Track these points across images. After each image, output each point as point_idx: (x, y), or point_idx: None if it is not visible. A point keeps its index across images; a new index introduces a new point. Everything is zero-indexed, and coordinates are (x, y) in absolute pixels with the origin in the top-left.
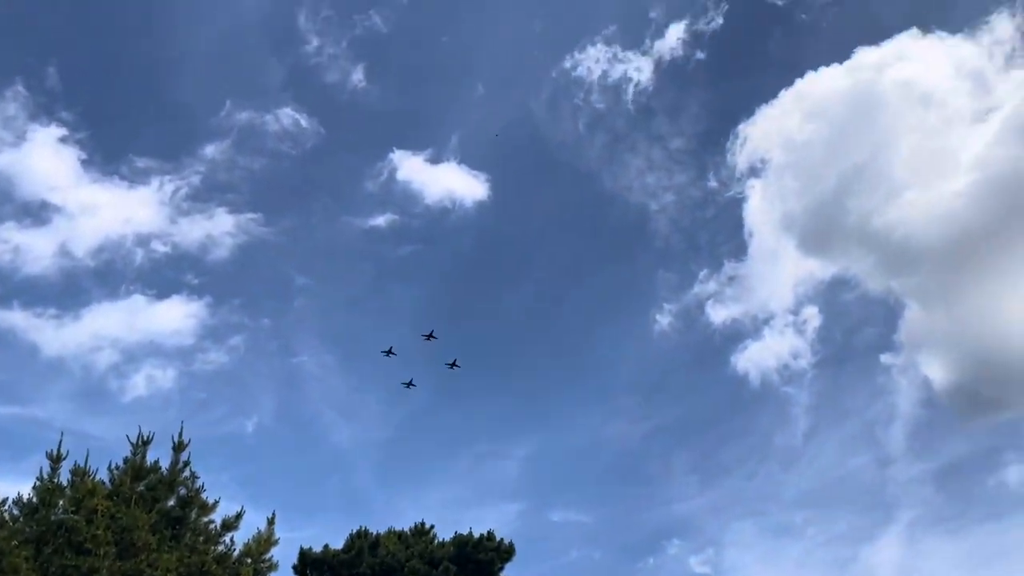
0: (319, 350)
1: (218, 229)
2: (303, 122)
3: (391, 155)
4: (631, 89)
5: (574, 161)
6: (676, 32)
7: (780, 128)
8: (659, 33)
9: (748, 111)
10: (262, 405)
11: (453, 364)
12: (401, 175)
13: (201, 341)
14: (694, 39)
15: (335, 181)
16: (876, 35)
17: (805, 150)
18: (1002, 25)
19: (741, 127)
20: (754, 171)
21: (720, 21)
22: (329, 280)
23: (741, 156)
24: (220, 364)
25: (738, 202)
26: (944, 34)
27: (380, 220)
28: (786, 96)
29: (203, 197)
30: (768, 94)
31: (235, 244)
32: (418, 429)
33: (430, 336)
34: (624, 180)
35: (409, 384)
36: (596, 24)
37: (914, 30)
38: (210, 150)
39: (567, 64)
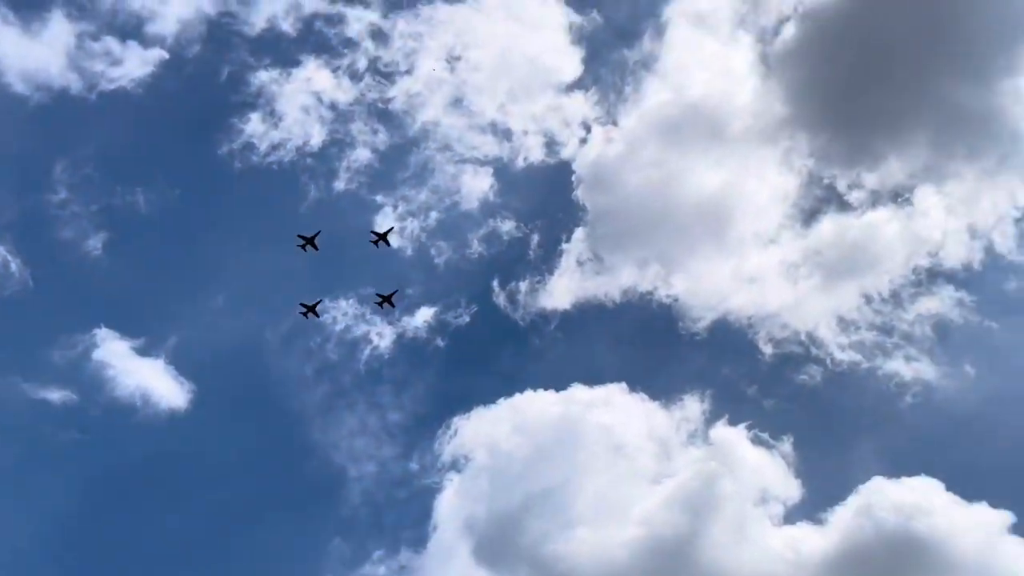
0: None
1: None
2: (13, 267)
3: (96, 331)
4: (368, 351)
5: (289, 401)
6: (425, 315)
7: (490, 432)
8: (410, 310)
9: (466, 407)
10: None
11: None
12: (98, 355)
13: None
14: (439, 327)
15: (20, 339)
16: (592, 378)
17: (506, 460)
18: (693, 406)
19: (456, 420)
20: (456, 465)
21: (466, 319)
22: None
23: (448, 447)
24: None
25: (433, 492)
26: (646, 397)
27: (55, 395)
28: (503, 405)
29: None
30: (488, 398)
31: None
32: None
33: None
34: (333, 436)
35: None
36: (355, 279)
37: (624, 384)
38: None
39: None
